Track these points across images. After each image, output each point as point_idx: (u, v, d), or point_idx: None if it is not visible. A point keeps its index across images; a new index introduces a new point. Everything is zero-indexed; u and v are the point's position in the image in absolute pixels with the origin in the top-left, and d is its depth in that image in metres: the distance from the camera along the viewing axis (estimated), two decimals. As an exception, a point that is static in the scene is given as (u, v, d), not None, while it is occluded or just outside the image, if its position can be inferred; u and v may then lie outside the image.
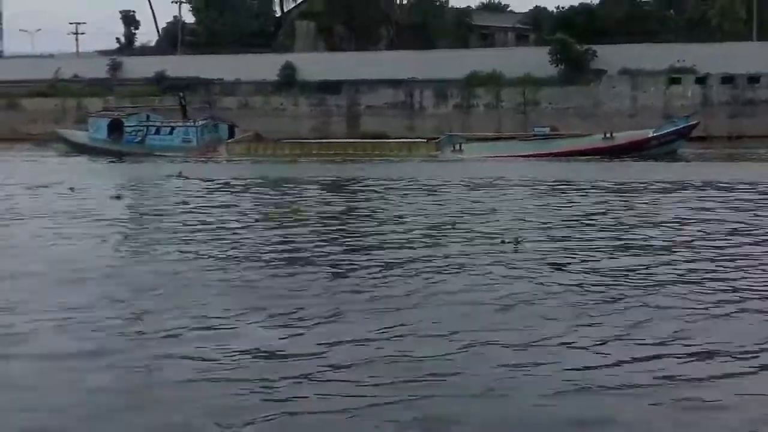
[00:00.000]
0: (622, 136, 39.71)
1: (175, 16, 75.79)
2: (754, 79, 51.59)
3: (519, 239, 12.79)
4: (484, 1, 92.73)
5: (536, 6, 75.66)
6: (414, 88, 56.11)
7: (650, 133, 39.88)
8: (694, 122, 40.79)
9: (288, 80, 60.58)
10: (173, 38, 73.13)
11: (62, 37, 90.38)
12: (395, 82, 56.22)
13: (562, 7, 65.72)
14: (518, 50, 59.64)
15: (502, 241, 13.24)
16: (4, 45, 79.23)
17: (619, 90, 53.00)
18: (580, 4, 62.74)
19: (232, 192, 25.66)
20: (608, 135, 39.38)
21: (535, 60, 55.79)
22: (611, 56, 55.74)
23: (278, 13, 78.03)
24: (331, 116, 57.11)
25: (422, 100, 55.95)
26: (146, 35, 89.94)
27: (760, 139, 46.94)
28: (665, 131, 39.90)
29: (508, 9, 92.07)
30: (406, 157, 39.46)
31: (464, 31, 72.35)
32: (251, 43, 67.71)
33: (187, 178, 29.45)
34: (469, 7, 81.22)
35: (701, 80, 52.23)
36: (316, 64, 60.75)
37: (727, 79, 51.81)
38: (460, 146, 40.03)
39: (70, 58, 70.24)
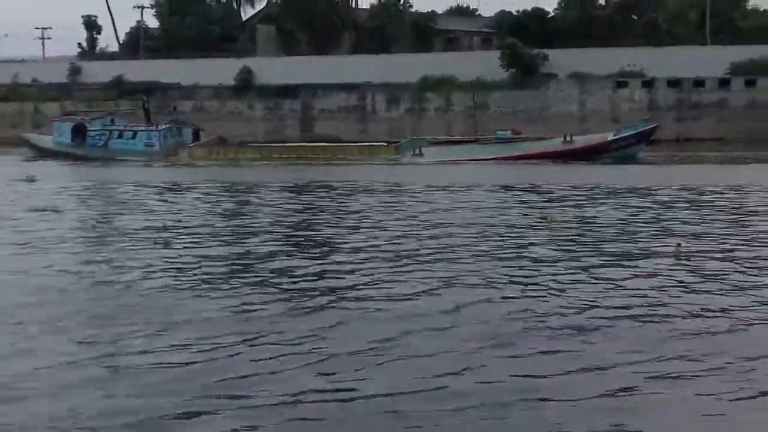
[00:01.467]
0: (582, 140, 39.85)
1: (138, 21, 76.01)
2: (699, 83, 52.18)
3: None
4: (453, 6, 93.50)
5: (501, 10, 76.29)
6: (367, 92, 56.54)
7: (610, 137, 40.04)
8: (653, 126, 40.87)
9: (245, 84, 60.79)
10: (136, 43, 73.36)
11: (28, 42, 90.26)
12: (348, 87, 56.63)
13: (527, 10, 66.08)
14: (471, 54, 60.13)
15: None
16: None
17: (567, 94, 53.59)
18: (533, 8, 63.38)
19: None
20: (568, 138, 39.52)
21: (488, 64, 56.24)
22: (562, 60, 56.10)
23: (243, 18, 78.47)
24: (286, 120, 57.54)
25: (375, 104, 56.40)
26: (109, 40, 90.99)
27: (706, 142, 47.69)
28: (624, 135, 39.95)
29: (477, 13, 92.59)
30: (367, 161, 39.59)
31: (428, 35, 72.85)
32: (214, 48, 67.92)
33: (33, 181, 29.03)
34: (433, 11, 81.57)
35: (648, 84, 52.84)
36: (274, 68, 60.92)
37: (674, 83, 52.38)
38: (420, 150, 40.15)
39: (32, 63, 70.33)
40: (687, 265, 11.84)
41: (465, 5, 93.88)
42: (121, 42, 76.19)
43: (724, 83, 51.91)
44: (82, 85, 63.45)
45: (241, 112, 58.10)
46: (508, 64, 56.64)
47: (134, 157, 44.51)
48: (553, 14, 65.84)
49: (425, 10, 77.17)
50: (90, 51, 73.63)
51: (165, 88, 60.98)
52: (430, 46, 68.01)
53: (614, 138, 39.76)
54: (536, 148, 39.27)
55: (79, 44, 74.24)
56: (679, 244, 12.29)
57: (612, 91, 52.98)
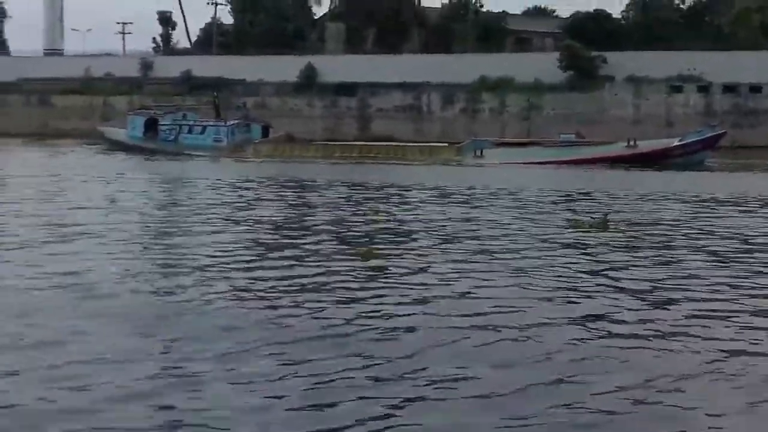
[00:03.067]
0: (646, 145, 39.58)
1: (212, 17, 78.22)
2: (756, 89, 51.22)
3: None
4: (531, 6, 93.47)
5: (577, 11, 75.92)
6: (423, 92, 57.11)
7: (674, 142, 39.61)
8: (721, 131, 40.18)
9: (308, 82, 62.14)
10: (210, 39, 75.52)
11: (110, 36, 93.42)
12: (405, 86, 57.34)
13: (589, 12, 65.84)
14: (530, 55, 60.18)
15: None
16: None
17: (621, 97, 53.34)
18: (595, 10, 63.23)
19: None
20: (632, 143, 39.26)
21: (546, 65, 56.40)
22: (621, 63, 55.65)
23: (316, 15, 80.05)
24: (343, 118, 58.42)
25: (430, 103, 56.99)
26: (183, 35, 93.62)
27: (764, 150, 46.97)
28: (690, 140, 39.47)
29: (555, 14, 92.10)
30: (428, 162, 39.99)
31: (499, 36, 73.12)
32: (284, 45, 69.36)
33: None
34: (504, 11, 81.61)
35: (703, 89, 52.16)
36: (336, 66, 61.92)
37: (729, 88, 51.58)
38: (482, 152, 40.32)
39: (107, 58, 72.99)
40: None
41: (543, 5, 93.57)
42: (193, 38, 78.44)
43: (782, 89, 51.00)
44: (153, 80, 65.62)
45: (301, 110, 59.28)
46: (566, 66, 56.59)
47: (202, 151, 45.53)
48: (617, 16, 65.51)
49: (497, 10, 77.89)
50: (165, 46, 76.06)
51: (230, 83, 62.38)
52: (501, 47, 68.21)
53: (680, 143, 39.29)
54: (599, 152, 39.05)
55: (154, 39, 76.79)
56: None
57: (667, 95, 52.53)
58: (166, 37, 76.46)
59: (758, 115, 50.64)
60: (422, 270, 11.57)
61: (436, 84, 57.78)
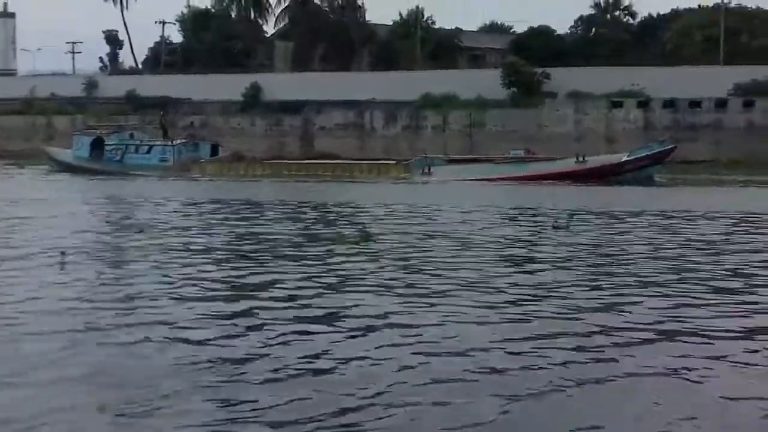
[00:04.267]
0: (595, 160, 39.78)
1: (161, 36, 78.16)
2: (695, 104, 51.57)
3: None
4: (487, 22, 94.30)
5: (530, 27, 76.42)
6: (365, 110, 57.24)
7: (623, 158, 39.91)
8: (670, 146, 40.45)
9: (252, 101, 62.27)
10: (159, 58, 75.60)
11: (62, 56, 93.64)
12: (348, 104, 57.46)
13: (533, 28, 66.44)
14: (474, 72, 60.57)
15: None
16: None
17: (562, 113, 53.62)
18: (540, 26, 63.81)
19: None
20: (581, 158, 39.45)
21: (490, 82, 56.61)
22: (564, 79, 56.07)
23: (268, 34, 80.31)
24: (287, 136, 58.48)
25: (373, 121, 57.15)
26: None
27: (703, 165, 47.37)
28: (639, 155, 39.72)
29: (512, 30, 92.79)
30: (376, 179, 40.23)
31: (453, 52, 73.66)
32: (233, 63, 69.55)
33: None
34: (457, 28, 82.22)
35: (643, 104, 52.58)
36: (281, 85, 62.08)
37: (668, 103, 51.96)
38: (429, 169, 40.45)
39: (50, 77, 72.71)
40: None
41: (500, 22, 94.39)
42: (141, 58, 78.37)
43: (720, 104, 51.51)
44: (97, 100, 65.47)
45: (244, 129, 59.23)
46: (509, 83, 57.02)
47: (148, 171, 45.39)
48: (564, 32, 66.19)
49: (452, 26, 78.30)
50: (111, 66, 75.91)
51: (175, 102, 62.38)
52: (453, 63, 68.64)
53: (628, 159, 39.59)
54: (549, 168, 39.37)
55: (101, 59, 76.59)
56: None
57: (607, 111, 52.98)
58: (113, 57, 76.22)
59: (697, 130, 50.87)
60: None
61: (380, 101, 57.92)
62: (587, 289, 11.35)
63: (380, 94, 58.10)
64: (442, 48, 72.13)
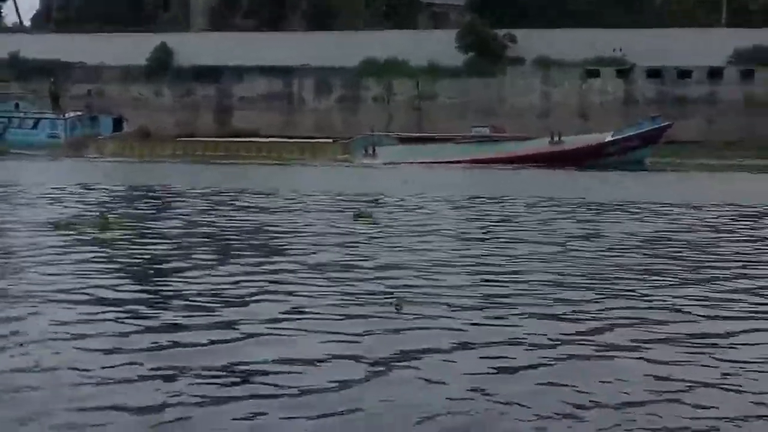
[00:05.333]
0: (574, 141, 38.06)
1: (53, -14, 73.14)
2: (685, 73, 49.92)
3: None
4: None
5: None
6: (293, 78, 54.47)
7: (607, 137, 38.14)
8: (665, 124, 38.62)
9: (160, 65, 58.36)
10: (50, 14, 70.98)
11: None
12: (273, 70, 54.50)
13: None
14: (425, 34, 57.48)
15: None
16: None
17: (527, 83, 51.46)
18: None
19: None
20: (557, 138, 37.67)
21: (444, 46, 54.20)
22: (534, 43, 54.04)
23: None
24: (198, 109, 55.75)
25: (302, 91, 54.32)
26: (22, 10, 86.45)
27: (691, 146, 44.62)
28: (626, 135, 37.90)
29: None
30: (309, 161, 38.79)
31: (410, 11, 70.08)
32: (141, 20, 65.53)
33: None
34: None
35: (623, 73, 50.33)
36: (197, 47, 58.89)
37: (654, 73, 49.99)
38: (374, 150, 38.61)
39: None
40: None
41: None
42: (28, 14, 74.07)
43: (714, 74, 49.27)
44: (-30, 64, 61.00)
45: (147, 99, 56.07)
46: (467, 46, 53.67)
47: (35, 150, 42.94)
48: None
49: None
50: (-7, 22, 71.13)
51: (66, 67, 58.69)
52: (413, 24, 64.86)
53: (613, 139, 37.81)
54: (520, 149, 37.54)
55: (-20, 15, 71.71)
56: None
57: (581, 81, 49.85)
58: (-6, 12, 71.37)
59: (687, 105, 48.77)
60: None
61: (314, 68, 54.26)
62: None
63: (315, 59, 55.55)
64: (396, 4, 68.20)
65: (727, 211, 18.59)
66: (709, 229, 15.49)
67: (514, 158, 36.33)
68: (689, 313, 8.24)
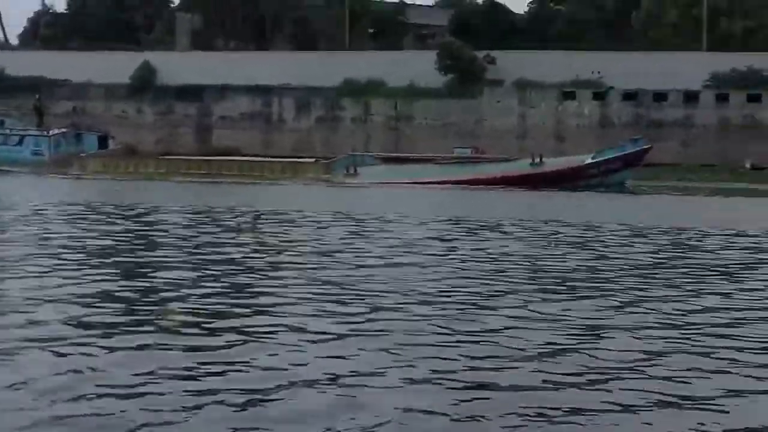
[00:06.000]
0: (554, 163, 38.53)
1: (44, 5, 74.27)
2: (660, 96, 50.26)
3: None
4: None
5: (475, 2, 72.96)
6: (273, 97, 54.78)
7: (587, 160, 38.50)
8: (645, 146, 38.97)
9: (143, 83, 59.04)
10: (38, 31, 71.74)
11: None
12: (253, 89, 54.83)
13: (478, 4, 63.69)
14: (405, 54, 58.00)
15: None
16: None
17: (505, 105, 51.68)
18: (485, 2, 60.92)
19: None
20: (537, 160, 38.00)
21: (424, 67, 54.41)
22: (514, 64, 54.34)
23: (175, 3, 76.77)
24: (179, 127, 56.09)
25: (282, 111, 54.79)
26: (10, 27, 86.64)
27: (665, 168, 45.03)
28: (608, 157, 38.22)
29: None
30: (290, 180, 39.01)
31: (396, 32, 70.66)
32: (127, 39, 66.35)
33: None
34: (402, 2, 78.94)
35: (599, 96, 50.81)
36: (180, 66, 59.49)
37: (630, 96, 50.27)
38: (355, 169, 39.12)
39: None
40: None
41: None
42: (16, 30, 74.86)
43: (690, 98, 49.51)
44: (-46, 81, 61.67)
45: (128, 117, 56.52)
46: (447, 68, 54.29)
47: (19, 167, 43.42)
48: (520, 12, 63.70)
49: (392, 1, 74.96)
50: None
51: (51, 84, 59.21)
52: (399, 45, 65.58)
53: (594, 161, 38.15)
54: (500, 170, 37.90)
55: (-35, 32, 72.22)
56: None
57: (558, 103, 50.47)
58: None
59: (663, 128, 48.90)
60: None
61: (294, 87, 54.91)
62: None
63: (297, 78, 55.98)
64: (382, 25, 68.99)
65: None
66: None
67: (495, 179, 36.63)
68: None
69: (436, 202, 30.12)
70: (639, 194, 36.22)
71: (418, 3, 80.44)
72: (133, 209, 23.39)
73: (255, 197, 30.03)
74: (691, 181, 42.19)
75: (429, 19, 76.80)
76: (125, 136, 51.85)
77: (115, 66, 58.85)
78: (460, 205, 28.28)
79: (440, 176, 37.40)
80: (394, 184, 36.31)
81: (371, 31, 70.32)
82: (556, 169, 37.71)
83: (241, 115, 55.42)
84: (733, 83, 50.40)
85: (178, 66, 59.15)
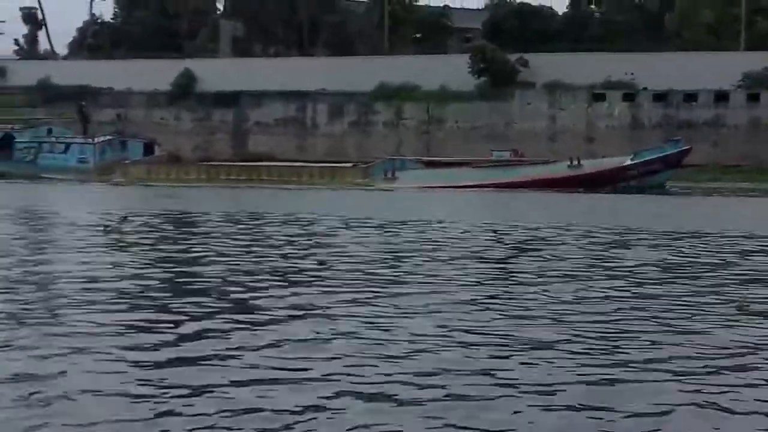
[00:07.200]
0: (593, 164, 39.14)
1: (93, 15, 76.59)
2: (691, 97, 50.45)
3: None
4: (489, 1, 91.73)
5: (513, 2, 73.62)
6: (307, 102, 56.02)
7: (627, 161, 39.00)
8: (685, 147, 39.43)
9: (183, 90, 60.86)
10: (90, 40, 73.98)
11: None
12: (287, 95, 56.16)
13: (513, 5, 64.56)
14: (439, 59, 58.94)
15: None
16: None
17: (535, 107, 52.26)
18: (520, 3, 61.89)
19: None
20: (575, 162, 38.73)
21: (457, 70, 55.26)
22: (546, 67, 54.90)
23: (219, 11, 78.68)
24: (216, 133, 57.39)
25: (315, 116, 55.88)
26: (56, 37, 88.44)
27: (698, 168, 45.38)
28: (647, 158, 38.84)
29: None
30: (329, 185, 39.82)
31: (440, 35, 71.68)
32: (171, 47, 68.07)
33: None
34: (446, 6, 79.93)
35: (629, 97, 51.21)
36: (219, 72, 60.96)
37: (660, 96, 50.69)
38: (393, 173, 40.01)
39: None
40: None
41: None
42: (65, 39, 77.12)
43: (721, 98, 49.86)
44: (4, 89, 64.09)
45: (167, 124, 58.05)
46: (479, 71, 55.37)
47: (65, 174, 44.74)
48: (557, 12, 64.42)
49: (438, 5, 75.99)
50: (30, 49, 74.39)
51: (95, 92, 61.18)
52: (443, 49, 66.56)
53: (633, 163, 38.66)
54: (537, 173, 38.79)
55: (16, 41, 74.94)
56: None
57: (588, 105, 51.21)
58: (32, 39, 74.56)
59: (693, 129, 49.22)
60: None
61: (330, 92, 56.39)
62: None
63: (333, 83, 56.74)
64: (425, 29, 70.15)
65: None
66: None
67: (533, 182, 37.32)
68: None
69: (494, 206, 29.87)
70: (689, 196, 35.98)
71: (462, 6, 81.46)
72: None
73: (313, 203, 29.34)
74: (723, 182, 42.87)
75: (473, 23, 77.73)
76: (164, 142, 53.65)
77: (156, 74, 60.24)
78: (522, 209, 27.52)
79: (480, 180, 38.12)
80: (435, 188, 36.91)
81: (417, 36, 71.68)
82: (595, 171, 38.28)
83: (275, 121, 56.44)
84: (765, 83, 50.30)
85: (218, 73, 60.51)
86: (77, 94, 58.61)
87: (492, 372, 6.76)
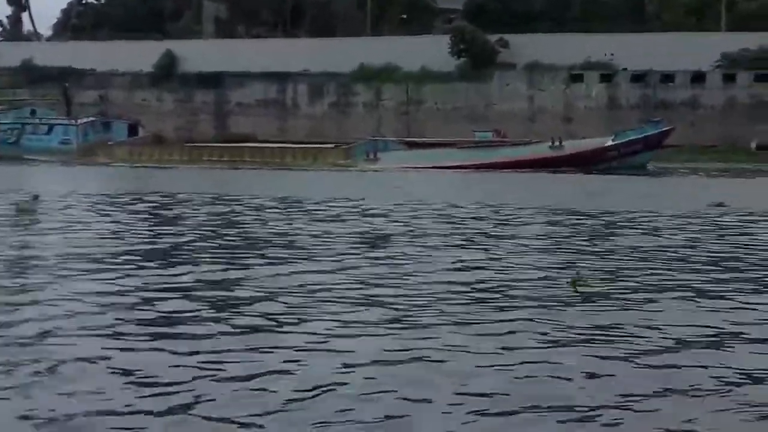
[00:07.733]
0: (574, 145, 39.48)
1: (77, -5, 76.73)
2: (668, 78, 50.96)
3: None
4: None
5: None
6: (288, 83, 56.51)
7: (608, 142, 39.34)
8: (667, 128, 39.79)
9: (165, 72, 61.33)
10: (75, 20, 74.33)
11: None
12: (268, 76, 56.64)
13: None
14: (419, 40, 59.43)
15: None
16: None
17: (513, 88, 52.84)
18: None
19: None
20: (557, 143, 39.08)
21: (437, 51, 55.68)
22: (526, 48, 55.37)
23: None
24: (198, 114, 57.90)
25: (296, 97, 56.40)
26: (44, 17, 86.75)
27: (676, 149, 45.84)
28: (628, 139, 39.14)
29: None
30: (311, 166, 40.18)
31: (427, 15, 72.07)
32: (154, 28, 68.43)
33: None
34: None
35: (607, 78, 51.79)
36: (202, 53, 61.26)
37: (638, 77, 51.25)
38: (375, 154, 40.41)
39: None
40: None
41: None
42: (50, 21, 77.44)
43: (697, 78, 50.47)
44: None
45: (149, 105, 58.50)
46: (459, 52, 55.95)
47: (48, 155, 45.04)
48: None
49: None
50: (13, 30, 74.76)
51: (78, 74, 61.59)
52: (428, 30, 66.94)
53: (614, 143, 39.04)
54: (522, 154, 39.11)
55: (0, 22, 75.32)
56: None
57: (566, 86, 51.86)
58: (16, 20, 74.94)
59: (670, 109, 49.81)
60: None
61: (311, 74, 56.93)
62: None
63: (315, 65, 57.16)
64: (410, 10, 70.47)
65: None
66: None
67: (515, 163, 37.57)
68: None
69: (480, 188, 28.64)
70: (668, 176, 35.98)
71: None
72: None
73: (305, 185, 29.13)
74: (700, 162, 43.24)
75: (458, 4, 78.29)
76: (147, 124, 53.93)
77: (139, 55, 60.52)
78: (511, 192, 26.22)
79: (462, 160, 38.51)
80: (417, 169, 37.24)
81: (403, 17, 72.14)
82: (576, 152, 38.59)
83: (257, 102, 56.81)
84: (743, 63, 50.75)
85: (200, 54, 60.71)
86: (60, 75, 59.13)
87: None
